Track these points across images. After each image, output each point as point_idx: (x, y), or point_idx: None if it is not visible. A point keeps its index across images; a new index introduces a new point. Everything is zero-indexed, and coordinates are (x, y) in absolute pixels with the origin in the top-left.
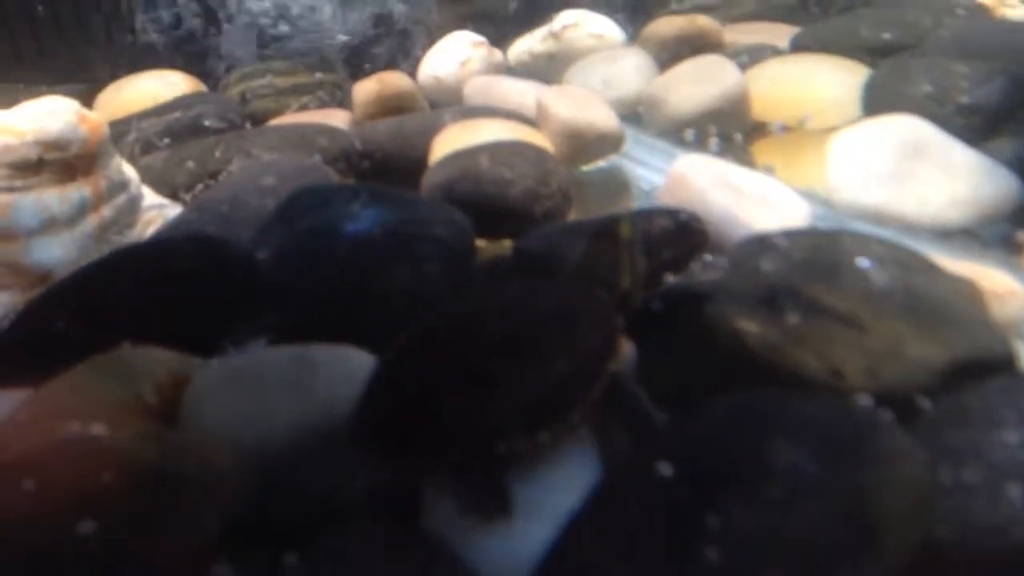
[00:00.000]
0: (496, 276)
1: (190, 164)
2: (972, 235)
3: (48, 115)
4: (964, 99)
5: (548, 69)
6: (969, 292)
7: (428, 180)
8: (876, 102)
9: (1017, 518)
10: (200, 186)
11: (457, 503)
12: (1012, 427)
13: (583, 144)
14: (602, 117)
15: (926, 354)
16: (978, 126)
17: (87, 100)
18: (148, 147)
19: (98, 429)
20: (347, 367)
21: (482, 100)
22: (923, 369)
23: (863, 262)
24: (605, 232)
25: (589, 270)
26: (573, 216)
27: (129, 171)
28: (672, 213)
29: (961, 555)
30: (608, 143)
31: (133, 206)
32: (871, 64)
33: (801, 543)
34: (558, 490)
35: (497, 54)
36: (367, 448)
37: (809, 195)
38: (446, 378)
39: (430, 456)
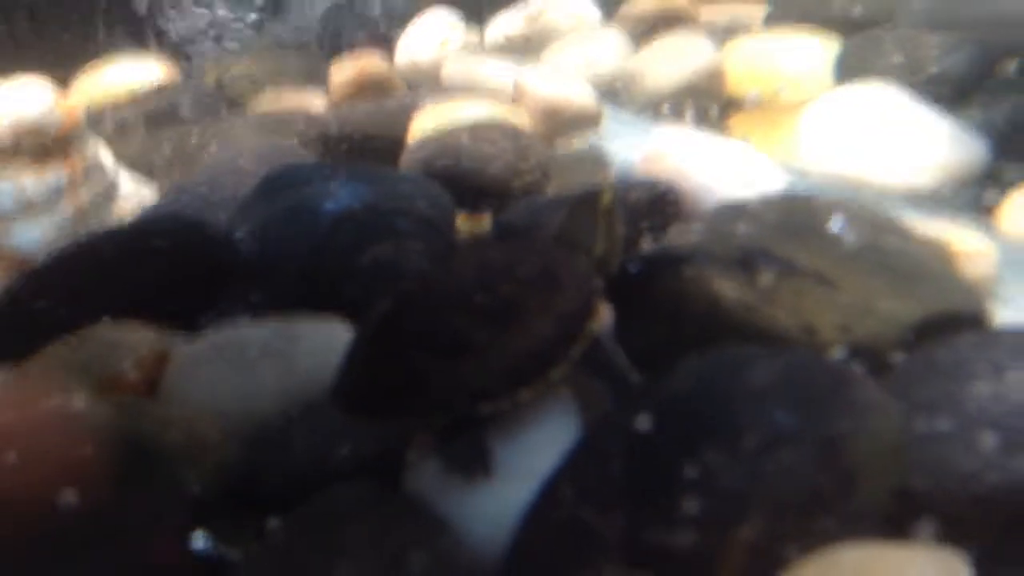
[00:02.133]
0: (477, 246)
1: (167, 149)
2: (943, 198)
3: (23, 99)
4: (934, 68)
5: (525, 49)
6: (940, 252)
7: (407, 158)
8: (849, 73)
9: (990, 464)
10: (177, 170)
11: (439, 465)
12: (984, 379)
13: (561, 121)
14: (580, 94)
15: (898, 310)
16: (948, 94)
17: (64, 86)
18: (125, 132)
19: (79, 403)
20: (329, 338)
21: (460, 80)
22: (895, 324)
23: (836, 224)
24: (584, 200)
25: (566, 236)
26: (552, 191)
27: (106, 155)
28: (649, 185)
29: (937, 501)
30: (586, 120)
31: (110, 190)
32: (844, 37)
33: (779, 492)
34: (539, 449)
35: (474, 35)
36: (349, 414)
37: (784, 165)
38: (426, 341)
39: (411, 420)
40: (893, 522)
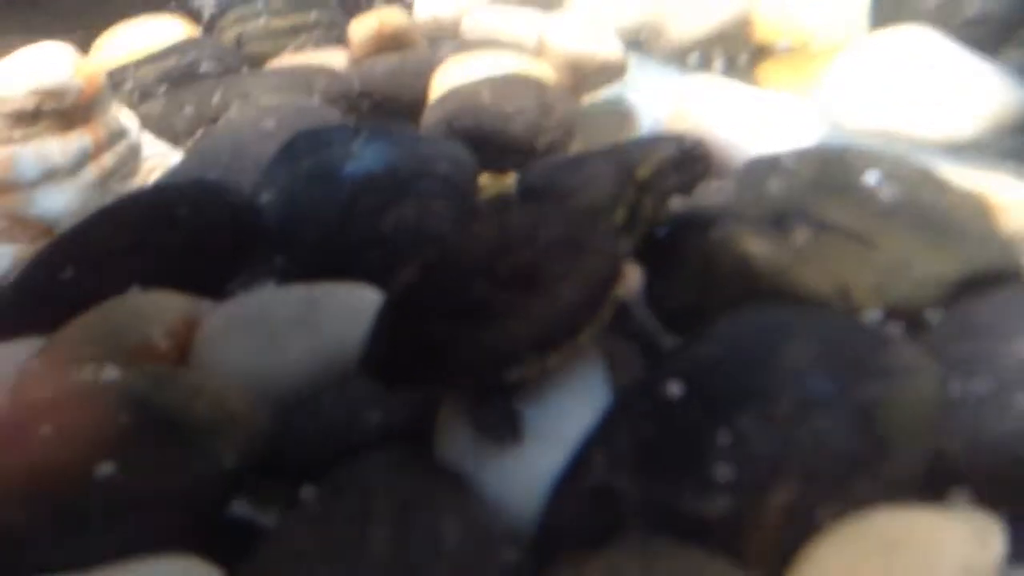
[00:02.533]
0: (500, 210)
1: (188, 110)
2: (983, 147)
3: (43, 64)
4: (972, 10)
5: None
6: (978, 205)
7: (429, 117)
8: (884, 16)
9: None
10: (200, 131)
11: (469, 431)
12: (1021, 337)
13: (586, 73)
14: (604, 45)
15: (935, 268)
16: (987, 36)
17: (83, 48)
18: (146, 94)
19: (112, 373)
20: (355, 304)
21: (481, 33)
22: (932, 283)
23: (871, 179)
24: (618, 170)
25: (586, 202)
26: (576, 148)
27: (128, 118)
28: (676, 140)
29: (973, 463)
30: (611, 72)
31: (134, 154)
32: None
33: (813, 456)
34: (570, 415)
35: None
36: (378, 383)
37: (816, 114)
38: (451, 309)
39: (440, 386)
40: (929, 485)
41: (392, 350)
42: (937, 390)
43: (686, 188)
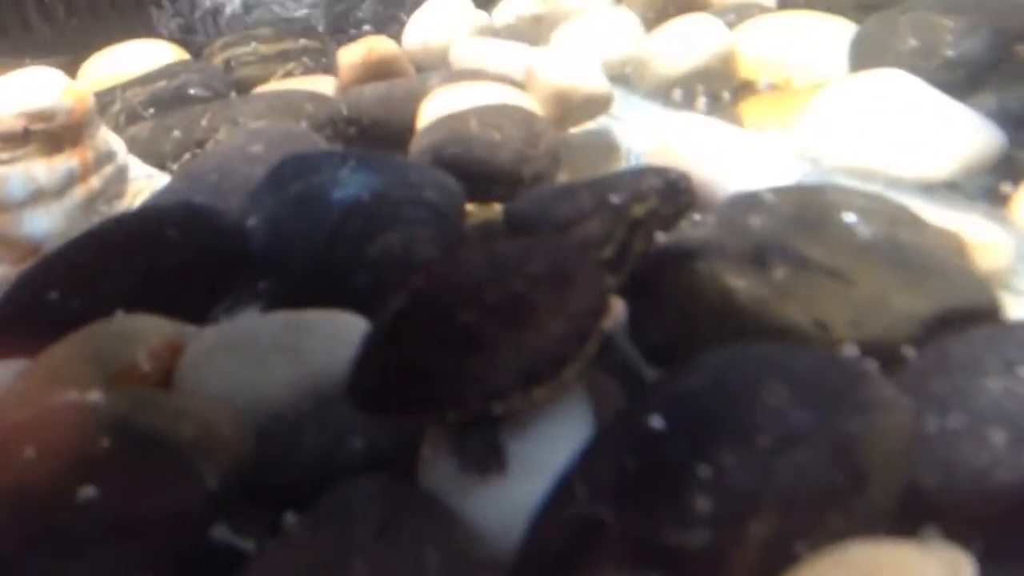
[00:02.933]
0: (488, 239)
1: (176, 133)
2: (957, 188)
3: (33, 86)
4: (949, 53)
5: (535, 31)
6: (954, 244)
7: (416, 144)
8: (863, 58)
9: (1000, 461)
10: (187, 155)
11: (453, 461)
12: (995, 374)
13: (571, 106)
14: (590, 79)
15: (911, 305)
16: (963, 79)
17: (72, 71)
18: (133, 117)
19: (95, 397)
20: (341, 331)
21: (469, 63)
22: (908, 319)
23: (849, 216)
24: (612, 206)
25: (576, 236)
26: (562, 178)
27: (116, 141)
28: (661, 173)
29: (947, 498)
30: (596, 104)
31: (121, 176)
32: (858, 20)
33: (790, 490)
34: (553, 446)
35: (483, 16)
36: (363, 409)
37: (796, 152)
38: (439, 339)
39: (426, 416)
40: (904, 519)
41: (379, 378)
42: (912, 425)
43: (671, 220)
